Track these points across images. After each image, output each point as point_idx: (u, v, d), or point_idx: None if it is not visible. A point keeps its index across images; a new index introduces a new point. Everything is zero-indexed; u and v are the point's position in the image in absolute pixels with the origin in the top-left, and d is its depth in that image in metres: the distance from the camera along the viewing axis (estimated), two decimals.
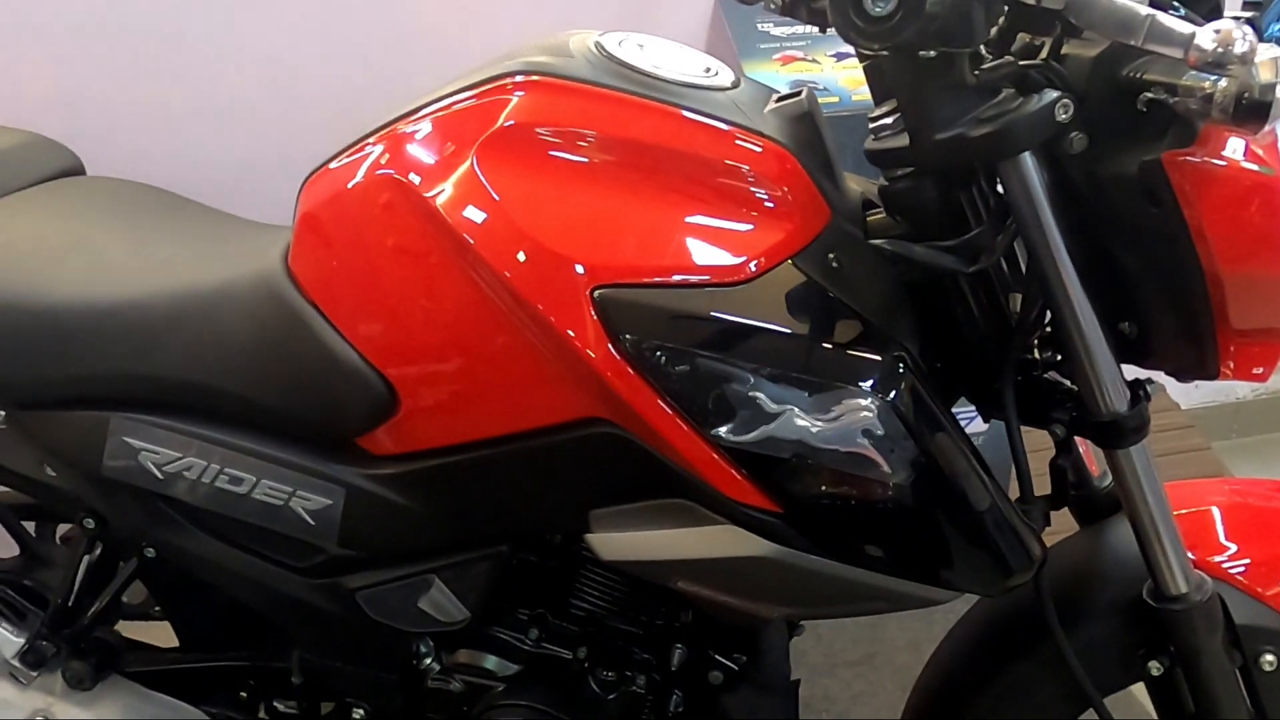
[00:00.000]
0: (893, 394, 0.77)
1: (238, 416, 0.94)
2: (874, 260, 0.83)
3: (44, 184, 1.14)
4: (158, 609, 1.20)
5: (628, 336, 0.75)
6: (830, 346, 0.78)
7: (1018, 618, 0.97)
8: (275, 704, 1.15)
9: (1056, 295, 0.78)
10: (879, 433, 0.76)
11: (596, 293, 0.76)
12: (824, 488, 0.77)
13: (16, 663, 1.07)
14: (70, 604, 1.10)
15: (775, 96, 0.87)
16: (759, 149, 0.81)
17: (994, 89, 0.75)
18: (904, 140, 0.77)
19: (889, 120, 0.80)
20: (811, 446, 0.76)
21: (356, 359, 0.86)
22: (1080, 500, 0.95)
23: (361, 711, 1.08)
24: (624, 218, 0.79)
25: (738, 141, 0.81)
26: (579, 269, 0.76)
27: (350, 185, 0.85)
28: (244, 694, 1.17)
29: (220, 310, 0.93)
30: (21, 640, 1.07)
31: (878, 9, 0.66)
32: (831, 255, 0.80)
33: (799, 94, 0.87)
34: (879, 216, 0.86)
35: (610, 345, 0.75)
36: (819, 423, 0.75)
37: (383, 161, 0.84)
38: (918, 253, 0.80)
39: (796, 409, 0.75)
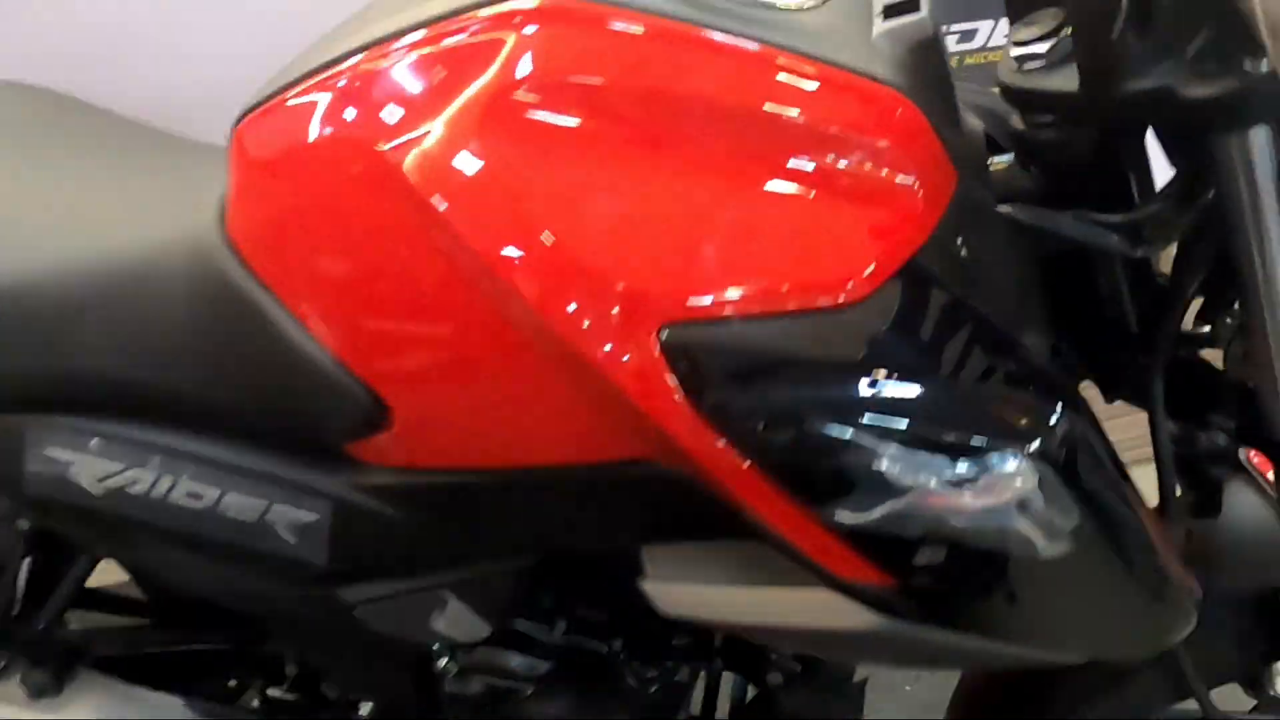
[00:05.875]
0: (1058, 455, 0.59)
1: (185, 417, 0.76)
2: (1003, 230, 0.64)
3: None
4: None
5: (708, 392, 0.56)
6: (972, 390, 0.60)
7: None
8: (269, 692, 1.04)
9: (1259, 298, 0.60)
10: (1037, 506, 0.58)
11: (664, 333, 0.56)
12: (955, 562, 0.61)
13: None
14: (14, 613, 0.95)
15: (882, 8, 0.64)
16: (872, 101, 0.59)
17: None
18: (1071, 83, 0.58)
19: (1041, 47, 0.60)
20: (949, 525, 0.59)
21: (326, 360, 0.66)
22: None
23: (369, 707, 0.97)
24: (693, 220, 0.58)
25: (841, 92, 0.59)
26: (639, 300, 0.56)
27: (306, 140, 0.63)
28: (232, 682, 1.05)
29: (144, 287, 0.73)
30: None
31: None
32: (959, 239, 0.61)
33: (915, 6, 0.62)
34: (1004, 167, 0.67)
35: (685, 400, 0.57)
36: (960, 497, 0.58)
37: (348, 117, 0.61)
38: (1068, 228, 0.63)
39: (931, 481, 0.58)
